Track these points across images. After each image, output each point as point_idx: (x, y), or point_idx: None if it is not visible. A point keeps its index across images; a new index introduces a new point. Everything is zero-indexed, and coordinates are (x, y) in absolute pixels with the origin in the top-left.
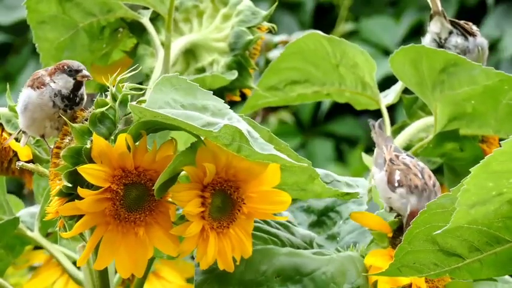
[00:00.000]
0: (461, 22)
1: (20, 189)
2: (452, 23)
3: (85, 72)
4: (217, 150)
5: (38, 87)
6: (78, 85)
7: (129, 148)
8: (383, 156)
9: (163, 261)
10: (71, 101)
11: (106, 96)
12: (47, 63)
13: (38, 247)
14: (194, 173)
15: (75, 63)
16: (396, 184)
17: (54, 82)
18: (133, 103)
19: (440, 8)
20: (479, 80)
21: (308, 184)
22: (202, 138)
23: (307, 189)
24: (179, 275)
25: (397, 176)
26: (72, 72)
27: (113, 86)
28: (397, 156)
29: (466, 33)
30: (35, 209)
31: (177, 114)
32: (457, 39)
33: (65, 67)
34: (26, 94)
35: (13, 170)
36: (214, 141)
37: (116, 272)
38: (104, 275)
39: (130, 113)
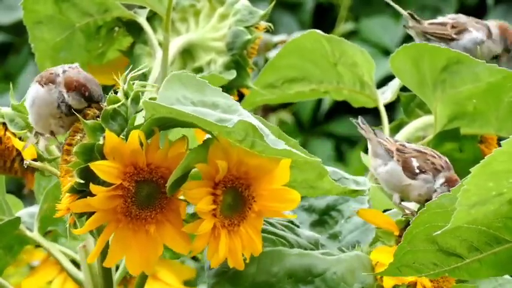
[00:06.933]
0: (437, 30)
1: (19, 190)
2: (425, 34)
3: None
4: (229, 148)
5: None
6: None
7: (141, 145)
8: (383, 147)
9: (161, 263)
10: None
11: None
12: (43, 63)
13: (37, 246)
14: (206, 170)
15: None
16: (417, 171)
17: None
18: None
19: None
20: (483, 77)
21: (317, 181)
22: (215, 135)
23: (316, 187)
24: (177, 278)
25: (415, 162)
26: None
27: (124, 84)
28: (403, 146)
29: (443, 39)
30: (34, 209)
31: (190, 111)
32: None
33: None
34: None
35: (16, 169)
36: (227, 137)
37: (115, 271)
38: (107, 274)
39: (141, 110)
